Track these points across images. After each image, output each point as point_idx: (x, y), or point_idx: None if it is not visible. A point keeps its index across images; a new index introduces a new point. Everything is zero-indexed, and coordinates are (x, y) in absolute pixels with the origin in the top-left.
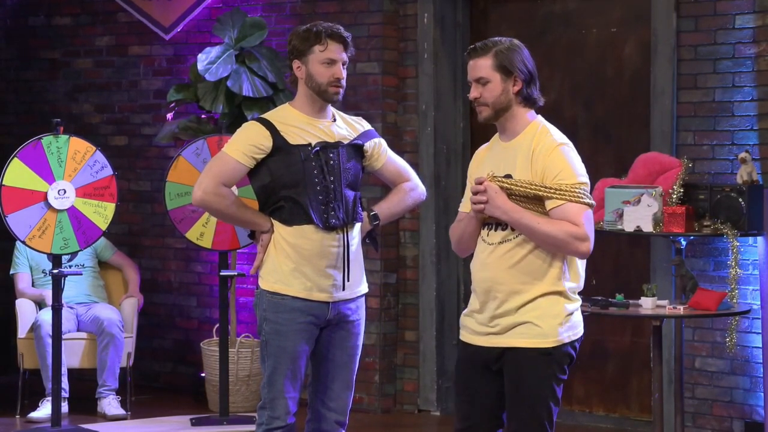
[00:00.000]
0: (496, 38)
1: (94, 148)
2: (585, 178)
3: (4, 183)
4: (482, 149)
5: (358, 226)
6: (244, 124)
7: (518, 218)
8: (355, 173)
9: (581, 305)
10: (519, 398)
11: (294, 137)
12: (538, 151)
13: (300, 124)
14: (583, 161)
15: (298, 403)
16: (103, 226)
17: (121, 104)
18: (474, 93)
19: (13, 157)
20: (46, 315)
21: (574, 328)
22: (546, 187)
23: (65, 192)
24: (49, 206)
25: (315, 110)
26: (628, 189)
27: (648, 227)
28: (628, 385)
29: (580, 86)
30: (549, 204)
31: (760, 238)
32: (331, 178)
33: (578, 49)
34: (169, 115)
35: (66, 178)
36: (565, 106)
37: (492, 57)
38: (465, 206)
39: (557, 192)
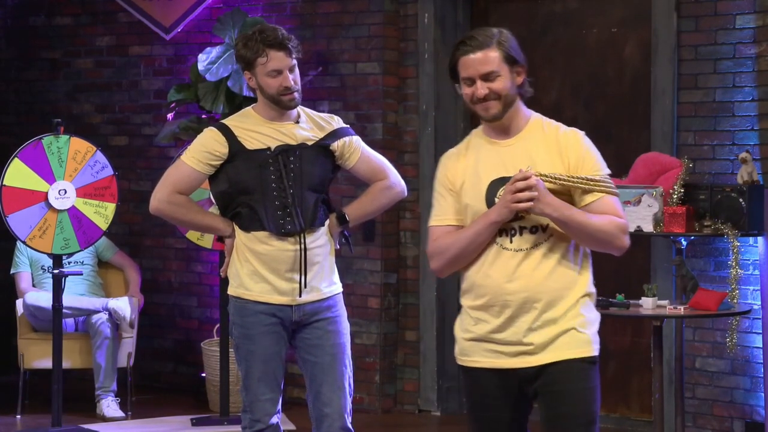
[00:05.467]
0: (486, 28)
1: (95, 148)
2: (606, 167)
3: (4, 183)
4: (456, 154)
5: (322, 229)
6: (203, 130)
7: (569, 215)
8: (321, 175)
9: None
10: (569, 417)
11: (252, 142)
12: (565, 142)
13: (259, 128)
14: None
15: (279, 401)
16: (104, 227)
17: (122, 104)
18: (481, 90)
19: (13, 157)
20: (32, 294)
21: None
22: (587, 179)
23: (66, 192)
24: (50, 206)
25: (276, 114)
26: (629, 189)
27: (648, 227)
28: (629, 385)
29: (580, 86)
30: (588, 197)
31: (760, 238)
32: (290, 183)
33: (578, 49)
34: (170, 115)
35: (66, 178)
36: (565, 106)
37: (497, 48)
38: (447, 219)
39: (597, 184)
